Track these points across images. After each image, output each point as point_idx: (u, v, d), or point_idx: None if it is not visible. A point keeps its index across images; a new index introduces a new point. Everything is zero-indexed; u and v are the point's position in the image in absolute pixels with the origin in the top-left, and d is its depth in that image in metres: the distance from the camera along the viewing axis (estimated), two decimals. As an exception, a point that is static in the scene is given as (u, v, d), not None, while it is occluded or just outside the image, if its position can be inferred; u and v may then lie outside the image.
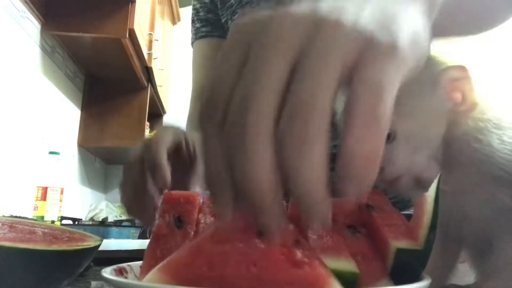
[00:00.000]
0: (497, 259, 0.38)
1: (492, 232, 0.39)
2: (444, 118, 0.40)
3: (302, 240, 0.29)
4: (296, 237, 0.29)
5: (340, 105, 0.41)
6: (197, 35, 0.90)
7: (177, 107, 2.97)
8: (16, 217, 0.92)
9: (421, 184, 0.40)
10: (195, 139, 0.52)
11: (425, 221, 0.33)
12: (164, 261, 0.28)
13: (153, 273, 0.27)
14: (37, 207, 1.34)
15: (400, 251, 0.32)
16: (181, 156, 0.51)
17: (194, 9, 0.91)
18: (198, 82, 0.87)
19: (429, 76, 0.40)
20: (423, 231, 0.33)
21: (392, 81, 0.24)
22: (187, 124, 0.82)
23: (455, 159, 0.39)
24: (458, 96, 0.39)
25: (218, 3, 0.86)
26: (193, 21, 0.92)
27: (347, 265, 0.30)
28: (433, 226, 0.33)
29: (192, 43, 0.92)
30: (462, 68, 0.39)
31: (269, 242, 0.28)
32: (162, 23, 2.66)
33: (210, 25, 0.88)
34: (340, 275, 0.28)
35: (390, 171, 0.40)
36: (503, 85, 0.43)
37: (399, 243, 0.32)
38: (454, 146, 0.39)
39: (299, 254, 0.28)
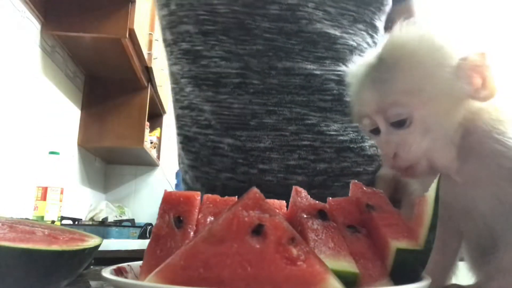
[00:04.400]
0: (501, 259, 0.37)
1: (499, 230, 0.38)
2: (462, 104, 0.39)
3: (297, 237, 0.29)
4: (291, 234, 0.29)
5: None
6: None
7: (177, 107, 2.98)
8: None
9: (436, 169, 0.40)
10: None
11: (425, 221, 0.33)
12: (160, 266, 0.28)
13: (149, 279, 0.27)
14: (37, 207, 1.34)
15: (400, 251, 0.32)
16: None
17: None
18: None
19: (449, 60, 0.39)
20: (423, 231, 0.33)
21: None
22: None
23: (473, 149, 0.39)
24: (478, 81, 0.39)
25: None
26: None
27: (347, 265, 0.30)
28: (433, 226, 0.33)
29: None
30: (482, 54, 0.39)
31: (263, 240, 0.28)
32: (162, 23, 2.66)
33: None
34: (340, 275, 0.28)
35: (406, 157, 0.40)
36: None
37: (399, 243, 0.32)
38: (474, 136, 0.39)
39: (294, 251, 0.28)
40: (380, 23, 0.68)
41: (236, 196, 0.39)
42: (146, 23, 2.19)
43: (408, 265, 0.32)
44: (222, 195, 0.64)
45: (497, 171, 0.38)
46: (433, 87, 0.39)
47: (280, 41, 0.59)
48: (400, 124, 0.40)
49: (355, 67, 0.45)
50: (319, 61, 0.60)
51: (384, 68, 0.40)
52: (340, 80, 0.60)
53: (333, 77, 0.61)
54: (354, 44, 0.63)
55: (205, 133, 0.63)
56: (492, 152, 0.38)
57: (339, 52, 0.62)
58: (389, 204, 0.38)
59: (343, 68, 0.60)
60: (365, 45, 0.65)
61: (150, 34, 2.25)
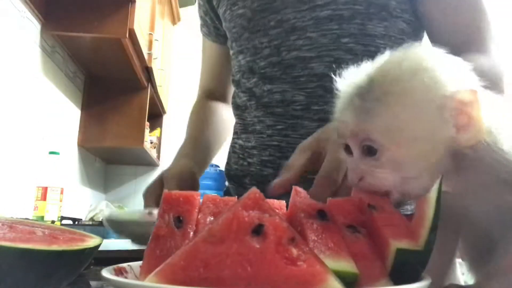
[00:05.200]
0: (500, 260, 0.37)
1: (496, 233, 0.38)
2: (443, 144, 0.38)
3: (297, 237, 0.29)
4: (291, 234, 0.29)
5: None
6: (201, 30, 0.98)
7: (177, 107, 2.98)
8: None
9: (410, 198, 0.41)
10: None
11: (426, 222, 0.33)
12: (160, 266, 0.28)
13: (149, 279, 0.27)
14: (37, 207, 1.34)
15: (400, 251, 0.32)
16: None
17: (197, 2, 0.96)
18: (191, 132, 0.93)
19: (438, 99, 0.38)
20: (424, 231, 0.33)
21: None
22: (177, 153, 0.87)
23: (462, 162, 0.39)
24: (464, 121, 0.37)
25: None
26: (198, 13, 0.97)
27: (347, 265, 0.30)
28: (434, 227, 0.33)
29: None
30: (472, 92, 0.37)
31: (263, 240, 0.28)
32: (162, 23, 2.66)
33: (206, 27, 0.95)
34: (339, 276, 0.28)
35: (369, 182, 0.40)
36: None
37: (399, 243, 0.32)
38: (461, 150, 0.39)
39: (294, 251, 0.28)
40: (379, 27, 0.73)
41: (236, 196, 0.39)
42: (146, 23, 2.19)
43: (408, 265, 0.32)
44: (233, 181, 0.85)
45: (488, 181, 0.38)
46: (413, 130, 0.38)
47: (268, 72, 0.77)
48: (370, 152, 0.40)
49: (346, 83, 0.43)
50: (294, 80, 0.74)
51: (370, 97, 0.40)
52: (309, 94, 0.74)
53: (302, 93, 0.74)
54: (332, 59, 0.73)
55: (233, 137, 0.88)
56: (481, 164, 0.37)
57: (314, 69, 0.73)
58: (390, 204, 0.38)
59: (314, 84, 0.73)
60: (349, 56, 0.72)
61: (150, 34, 2.25)
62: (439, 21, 0.73)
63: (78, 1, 1.78)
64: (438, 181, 0.34)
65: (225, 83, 0.98)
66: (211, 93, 0.99)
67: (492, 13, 0.72)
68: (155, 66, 2.40)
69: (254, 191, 0.31)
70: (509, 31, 2.90)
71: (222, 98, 1.00)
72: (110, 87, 2.34)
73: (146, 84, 2.40)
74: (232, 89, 0.96)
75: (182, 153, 0.85)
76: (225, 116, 0.97)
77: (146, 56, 2.17)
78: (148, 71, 2.34)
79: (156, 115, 2.97)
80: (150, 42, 2.24)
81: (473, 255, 0.44)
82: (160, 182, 0.75)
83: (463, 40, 0.69)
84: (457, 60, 0.40)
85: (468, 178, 0.39)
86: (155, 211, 0.64)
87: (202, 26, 0.96)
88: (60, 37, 1.82)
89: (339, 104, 0.43)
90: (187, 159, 0.81)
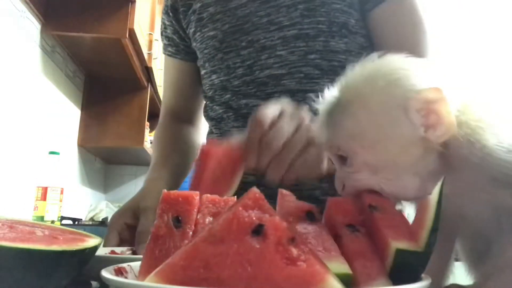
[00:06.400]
0: (497, 259, 0.37)
1: (492, 232, 0.38)
2: (417, 144, 0.38)
3: (297, 237, 0.29)
4: (291, 234, 0.29)
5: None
6: (164, 51, 0.98)
7: (177, 107, 2.98)
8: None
9: (397, 199, 0.41)
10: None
11: (427, 223, 0.33)
12: (160, 266, 0.28)
13: (150, 279, 0.27)
14: (37, 207, 1.34)
15: (400, 251, 0.32)
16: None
17: (162, 23, 0.97)
18: (157, 154, 0.93)
19: (398, 100, 0.38)
20: (424, 233, 0.33)
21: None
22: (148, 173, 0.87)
23: (456, 161, 0.39)
24: (433, 119, 0.38)
25: (183, 18, 0.89)
26: (161, 34, 0.98)
27: (340, 266, 0.30)
28: (434, 229, 0.33)
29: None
30: (436, 89, 0.38)
31: (263, 241, 0.28)
32: (162, 23, 2.66)
33: (174, 46, 0.95)
34: (334, 277, 0.28)
35: (351, 189, 0.41)
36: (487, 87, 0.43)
37: (399, 243, 0.32)
38: (456, 148, 0.38)
39: (294, 251, 0.28)
40: (341, 44, 0.79)
41: (235, 196, 0.40)
42: (146, 23, 2.19)
43: (408, 265, 0.32)
44: None
45: (478, 181, 0.38)
46: (374, 132, 0.39)
47: (242, 90, 0.81)
48: (343, 161, 0.42)
49: (322, 102, 0.45)
50: (268, 96, 0.79)
51: (335, 111, 0.42)
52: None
53: None
54: (302, 75, 0.77)
55: None
56: (468, 164, 0.38)
57: (286, 86, 0.78)
58: (392, 205, 0.38)
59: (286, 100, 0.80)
60: (317, 71, 0.77)
61: (150, 34, 2.25)
62: (383, 33, 0.79)
63: (78, 1, 1.78)
64: (439, 184, 0.34)
65: (192, 105, 0.98)
66: (177, 114, 0.99)
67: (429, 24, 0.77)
68: (155, 66, 2.39)
69: (254, 191, 0.31)
70: (509, 31, 2.90)
71: (188, 120, 1.00)
72: (110, 87, 2.34)
73: (146, 84, 2.40)
74: (199, 110, 0.98)
75: (153, 177, 0.83)
76: (190, 140, 0.97)
77: (146, 56, 2.17)
78: (148, 71, 2.34)
79: (156, 115, 2.94)
80: (150, 42, 2.24)
81: (471, 255, 0.44)
82: (130, 212, 0.71)
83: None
84: (420, 61, 0.42)
85: (460, 178, 0.39)
86: (118, 250, 0.60)
87: (167, 46, 0.97)
88: (60, 37, 1.81)
89: (318, 124, 0.45)
90: (160, 183, 0.79)
